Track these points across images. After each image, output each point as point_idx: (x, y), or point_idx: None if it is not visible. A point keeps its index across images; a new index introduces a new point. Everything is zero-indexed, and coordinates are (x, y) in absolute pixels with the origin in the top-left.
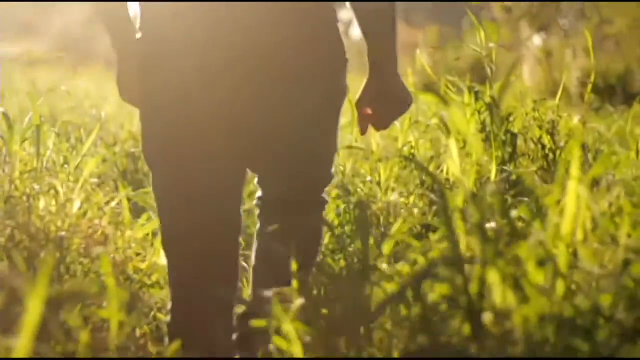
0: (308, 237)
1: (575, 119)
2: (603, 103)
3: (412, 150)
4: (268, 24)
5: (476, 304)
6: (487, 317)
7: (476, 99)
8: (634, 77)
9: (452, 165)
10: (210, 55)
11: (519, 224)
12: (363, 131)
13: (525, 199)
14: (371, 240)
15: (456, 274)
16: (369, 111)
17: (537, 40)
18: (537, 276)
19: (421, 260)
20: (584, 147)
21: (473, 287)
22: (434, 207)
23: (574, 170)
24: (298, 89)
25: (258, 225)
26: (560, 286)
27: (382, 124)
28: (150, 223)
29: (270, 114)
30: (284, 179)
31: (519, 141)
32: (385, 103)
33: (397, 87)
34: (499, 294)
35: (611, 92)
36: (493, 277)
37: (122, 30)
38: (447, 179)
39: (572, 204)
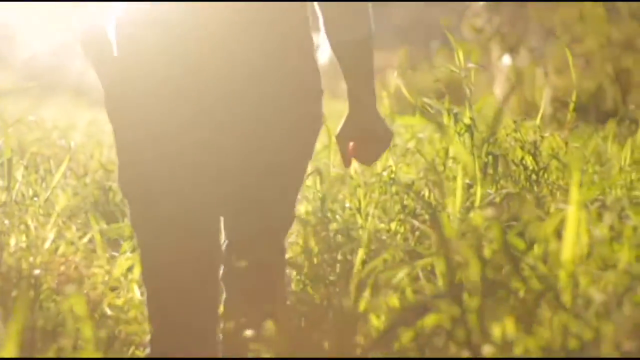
0: (276, 275)
1: (558, 139)
2: (577, 122)
3: (393, 175)
4: (244, 54)
5: (475, 336)
6: (487, 350)
7: (456, 121)
8: (606, 95)
9: (451, 191)
10: (184, 89)
11: (515, 252)
12: (347, 164)
13: (513, 223)
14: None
15: (453, 305)
16: (350, 145)
17: (507, 60)
18: (538, 307)
19: (409, 290)
20: (569, 168)
21: (471, 319)
22: (417, 233)
23: (574, 194)
24: (273, 121)
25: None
26: (562, 316)
27: (364, 161)
28: (126, 259)
29: (245, 145)
30: (253, 212)
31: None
32: (366, 141)
33: (377, 125)
34: (500, 325)
35: (584, 110)
36: (493, 307)
37: (106, 58)
38: (430, 204)
39: (573, 230)
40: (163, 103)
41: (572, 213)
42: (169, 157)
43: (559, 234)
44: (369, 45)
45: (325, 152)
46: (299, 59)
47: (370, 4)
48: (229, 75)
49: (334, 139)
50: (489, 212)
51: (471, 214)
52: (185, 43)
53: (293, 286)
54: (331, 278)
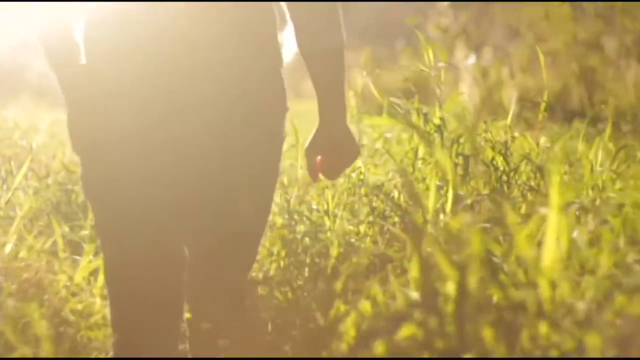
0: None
1: (529, 139)
2: (545, 121)
3: (361, 176)
4: (211, 70)
5: (453, 346)
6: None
7: (426, 121)
8: (571, 94)
9: (429, 196)
10: (152, 91)
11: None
12: (314, 179)
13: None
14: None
15: (428, 314)
16: (318, 159)
17: (472, 59)
18: (518, 315)
19: (381, 297)
20: (541, 169)
21: (449, 329)
22: (386, 236)
23: (554, 198)
24: (236, 136)
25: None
26: (543, 326)
27: (330, 175)
28: (88, 263)
29: (207, 154)
30: (209, 234)
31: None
32: (333, 154)
33: (345, 138)
34: (479, 334)
35: (550, 109)
36: (472, 316)
37: (72, 73)
38: (400, 206)
39: (554, 236)
40: (130, 105)
41: (553, 217)
42: (134, 161)
43: (534, 237)
44: (340, 56)
45: (292, 152)
46: (267, 70)
47: (342, 14)
48: (197, 78)
49: (301, 140)
50: (467, 216)
51: (444, 217)
52: (156, 44)
53: (259, 290)
54: (299, 282)
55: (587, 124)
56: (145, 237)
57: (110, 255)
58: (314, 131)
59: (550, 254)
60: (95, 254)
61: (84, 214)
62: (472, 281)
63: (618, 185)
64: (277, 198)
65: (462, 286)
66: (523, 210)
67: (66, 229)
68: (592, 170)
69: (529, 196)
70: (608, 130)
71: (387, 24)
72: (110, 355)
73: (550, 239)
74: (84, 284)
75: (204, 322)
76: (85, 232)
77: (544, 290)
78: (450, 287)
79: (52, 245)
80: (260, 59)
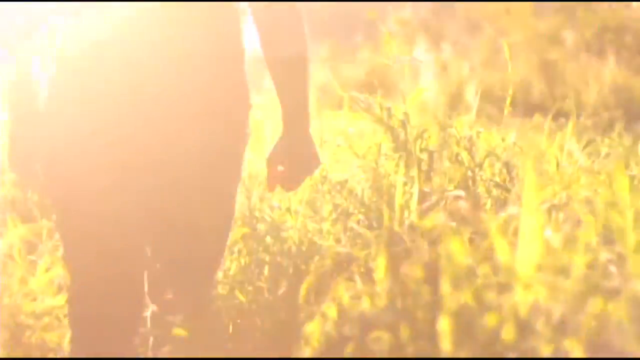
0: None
1: (495, 134)
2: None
3: (324, 173)
4: (167, 65)
5: (424, 349)
6: None
7: (389, 116)
8: (532, 88)
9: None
10: (108, 97)
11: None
12: (271, 189)
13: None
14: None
15: (401, 321)
16: (279, 169)
17: (433, 53)
18: (493, 319)
19: (346, 299)
20: (508, 165)
21: (420, 331)
22: (349, 234)
23: (529, 198)
24: (194, 133)
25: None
26: (518, 331)
27: (289, 186)
28: (45, 265)
29: (164, 160)
30: (167, 234)
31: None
32: (293, 164)
33: (306, 148)
34: (451, 341)
35: (511, 104)
36: (445, 323)
37: (24, 94)
38: (364, 202)
39: (528, 238)
40: (85, 104)
41: (526, 219)
42: (90, 160)
43: (506, 236)
44: (304, 65)
45: (253, 146)
46: (229, 70)
47: (306, 22)
48: (154, 74)
49: (264, 134)
50: (437, 215)
51: (409, 214)
52: (112, 41)
53: (220, 290)
54: (260, 283)
55: (545, 118)
56: (104, 237)
57: (70, 254)
58: (276, 140)
59: (525, 255)
60: (51, 254)
61: (40, 213)
62: (444, 283)
63: (583, 180)
64: (238, 195)
65: (432, 288)
66: (488, 207)
67: (22, 228)
68: (557, 165)
69: (494, 192)
70: (571, 125)
71: (345, 18)
72: (67, 354)
73: (523, 241)
74: (39, 284)
75: (164, 322)
76: (42, 231)
77: (518, 293)
78: (420, 289)
79: (7, 246)
80: (221, 54)
